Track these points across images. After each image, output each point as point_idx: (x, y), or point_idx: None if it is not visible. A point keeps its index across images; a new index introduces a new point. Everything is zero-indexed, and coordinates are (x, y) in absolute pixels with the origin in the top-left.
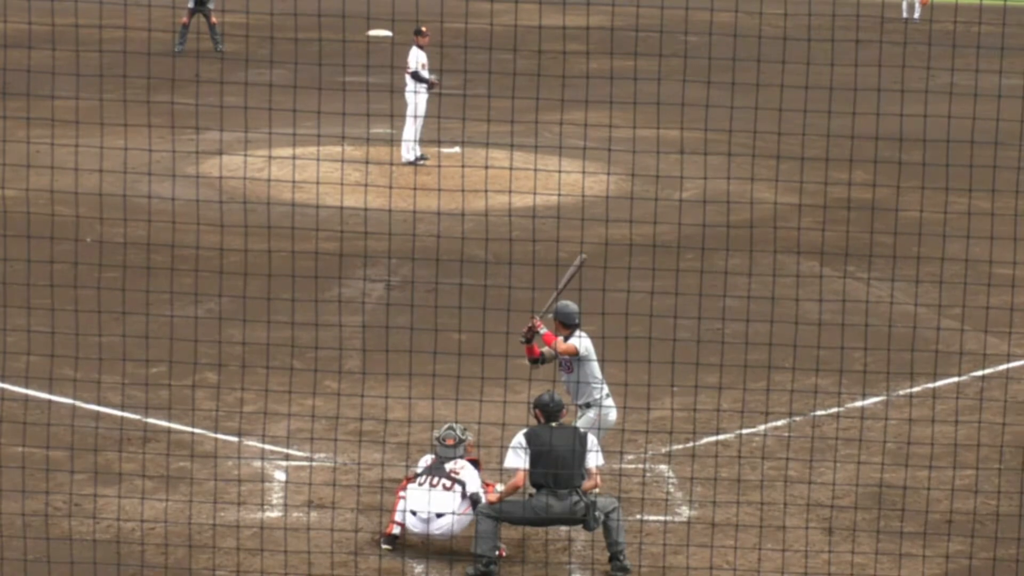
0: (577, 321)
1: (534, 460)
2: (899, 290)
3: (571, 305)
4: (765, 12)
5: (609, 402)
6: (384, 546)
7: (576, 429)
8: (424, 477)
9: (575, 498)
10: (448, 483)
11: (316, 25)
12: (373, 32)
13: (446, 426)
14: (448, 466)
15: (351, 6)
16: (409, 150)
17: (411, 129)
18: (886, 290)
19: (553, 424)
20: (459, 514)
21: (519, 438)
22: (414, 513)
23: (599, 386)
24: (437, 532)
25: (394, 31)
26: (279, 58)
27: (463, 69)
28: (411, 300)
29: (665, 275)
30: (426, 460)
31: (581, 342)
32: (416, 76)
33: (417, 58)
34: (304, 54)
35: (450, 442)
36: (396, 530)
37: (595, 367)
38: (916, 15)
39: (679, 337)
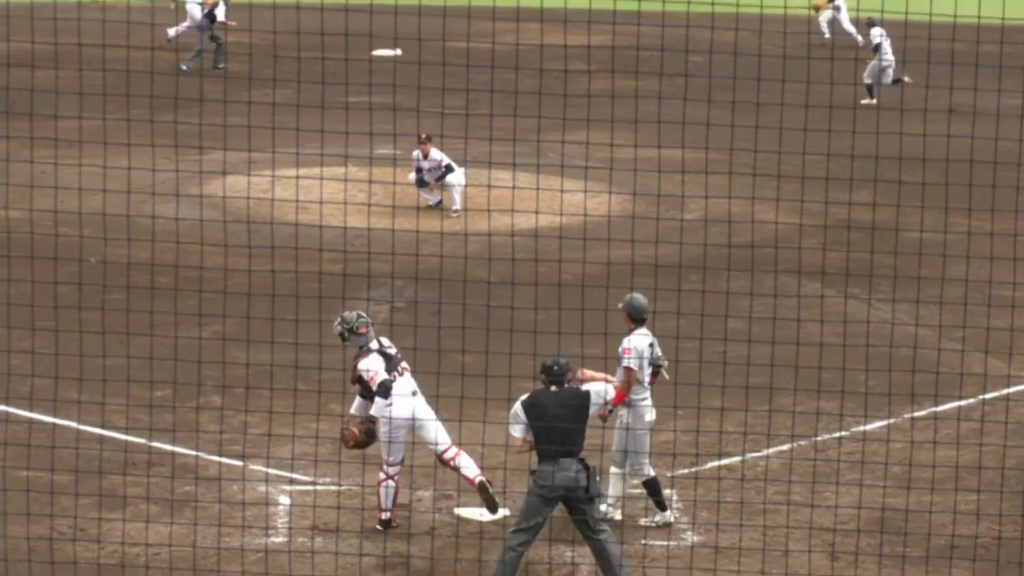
0: (645, 316)
1: (533, 423)
2: (901, 311)
3: (641, 298)
4: (766, 30)
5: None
6: (378, 527)
7: (577, 389)
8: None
9: (577, 467)
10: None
11: (319, 44)
12: (378, 52)
13: (357, 313)
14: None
15: (355, 25)
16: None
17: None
18: (888, 311)
19: (554, 388)
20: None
21: (516, 406)
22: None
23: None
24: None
25: (398, 49)
26: (282, 77)
27: (465, 88)
28: (415, 321)
29: (667, 296)
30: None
31: (629, 364)
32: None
33: (441, 158)
34: (307, 73)
35: (363, 331)
36: (385, 516)
37: (645, 362)
38: None
39: (681, 359)
